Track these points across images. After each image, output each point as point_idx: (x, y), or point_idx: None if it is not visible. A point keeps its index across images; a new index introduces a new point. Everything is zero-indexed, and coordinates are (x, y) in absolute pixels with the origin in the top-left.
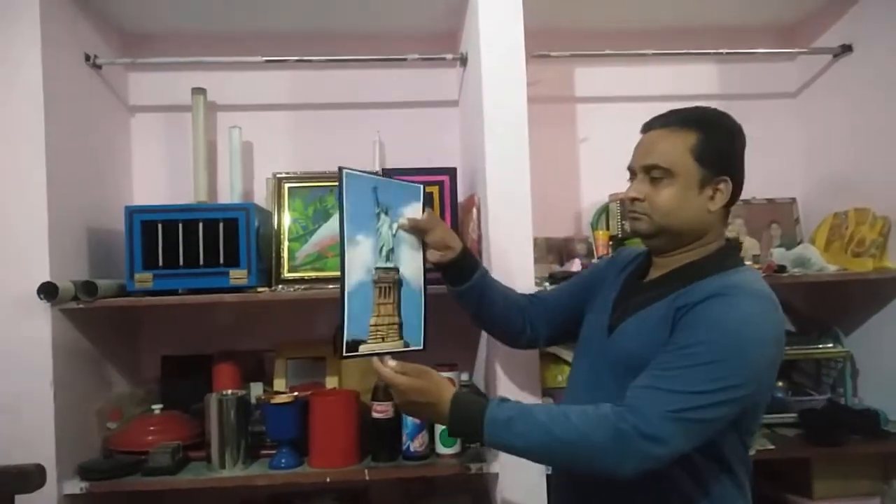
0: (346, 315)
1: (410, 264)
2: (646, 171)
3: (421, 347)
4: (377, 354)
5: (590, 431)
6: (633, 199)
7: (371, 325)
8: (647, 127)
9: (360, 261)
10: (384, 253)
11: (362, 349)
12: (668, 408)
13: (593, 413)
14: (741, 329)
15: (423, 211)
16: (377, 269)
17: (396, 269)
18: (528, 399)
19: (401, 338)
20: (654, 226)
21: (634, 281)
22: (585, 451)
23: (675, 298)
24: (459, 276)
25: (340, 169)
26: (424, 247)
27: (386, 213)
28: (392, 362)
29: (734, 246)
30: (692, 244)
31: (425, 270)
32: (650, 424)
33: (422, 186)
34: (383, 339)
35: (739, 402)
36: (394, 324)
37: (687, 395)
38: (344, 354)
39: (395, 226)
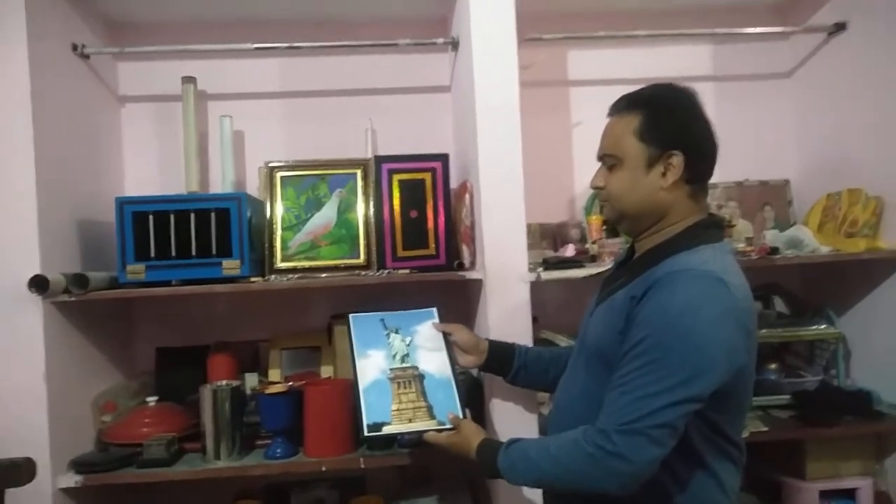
0: (364, 405)
1: (431, 362)
2: (602, 160)
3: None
4: (402, 433)
5: (567, 461)
6: (596, 188)
7: (393, 411)
8: (607, 114)
9: (373, 366)
10: (398, 358)
11: (386, 429)
12: (622, 420)
13: (568, 440)
14: (681, 319)
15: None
16: (392, 369)
17: (415, 367)
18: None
19: (432, 418)
20: (615, 212)
21: (618, 268)
22: (570, 479)
23: (632, 287)
24: (502, 368)
25: (347, 315)
26: (450, 349)
27: (396, 332)
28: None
29: (707, 223)
30: (656, 225)
31: (453, 364)
32: (611, 442)
33: (435, 309)
34: (410, 420)
35: (699, 395)
36: (421, 407)
37: (638, 402)
38: (366, 434)
39: (408, 339)
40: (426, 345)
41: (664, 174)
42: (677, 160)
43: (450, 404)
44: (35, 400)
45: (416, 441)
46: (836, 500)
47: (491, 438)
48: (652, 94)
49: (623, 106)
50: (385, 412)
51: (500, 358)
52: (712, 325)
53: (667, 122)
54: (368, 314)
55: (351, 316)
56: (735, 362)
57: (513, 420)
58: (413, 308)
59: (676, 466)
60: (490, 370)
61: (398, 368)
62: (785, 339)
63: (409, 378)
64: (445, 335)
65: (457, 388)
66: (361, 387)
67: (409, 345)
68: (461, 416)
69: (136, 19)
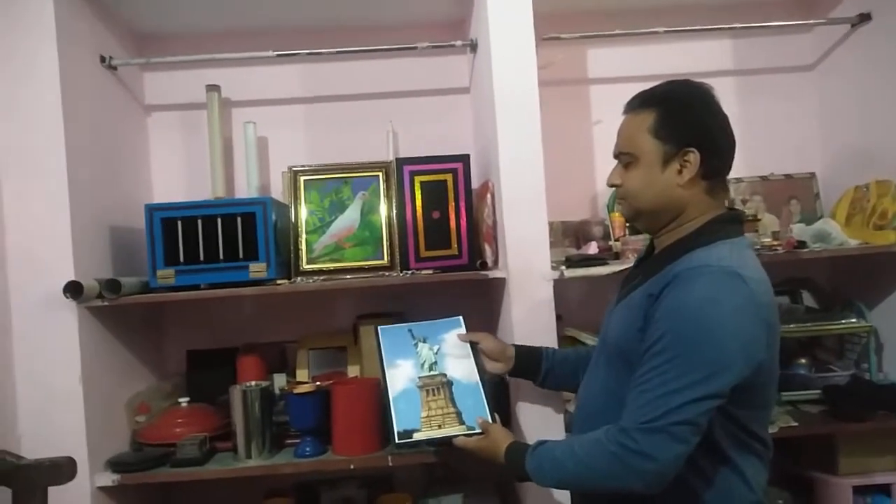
0: (394, 413)
1: (459, 369)
2: (619, 158)
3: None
4: (432, 439)
5: (590, 461)
6: (612, 186)
7: (423, 418)
8: (623, 112)
9: (403, 376)
10: (426, 366)
11: (416, 436)
12: (643, 419)
13: (591, 439)
14: (698, 315)
15: (467, 332)
16: (420, 377)
17: (443, 374)
18: None
19: (461, 423)
20: (632, 209)
21: (636, 266)
22: (595, 478)
23: (650, 284)
24: (530, 372)
25: (376, 327)
26: (476, 355)
27: (424, 341)
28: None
29: (725, 219)
30: (674, 222)
31: (480, 370)
32: (633, 440)
33: (461, 317)
34: (440, 426)
35: (720, 391)
36: (450, 413)
37: (658, 400)
38: (397, 442)
39: (435, 347)
40: (453, 352)
41: (680, 171)
42: (693, 157)
43: (479, 409)
44: (72, 402)
45: (446, 444)
46: (871, 495)
47: (519, 441)
48: (667, 90)
49: (638, 103)
50: (415, 419)
51: (528, 362)
52: (730, 321)
53: (682, 119)
54: (396, 325)
55: (379, 328)
56: (754, 357)
57: (539, 421)
58: (439, 315)
59: (701, 462)
60: (518, 375)
61: (426, 376)
62: (814, 333)
63: (437, 385)
64: (472, 342)
65: (485, 393)
66: (391, 396)
67: (436, 353)
68: (490, 420)
69: (161, 30)
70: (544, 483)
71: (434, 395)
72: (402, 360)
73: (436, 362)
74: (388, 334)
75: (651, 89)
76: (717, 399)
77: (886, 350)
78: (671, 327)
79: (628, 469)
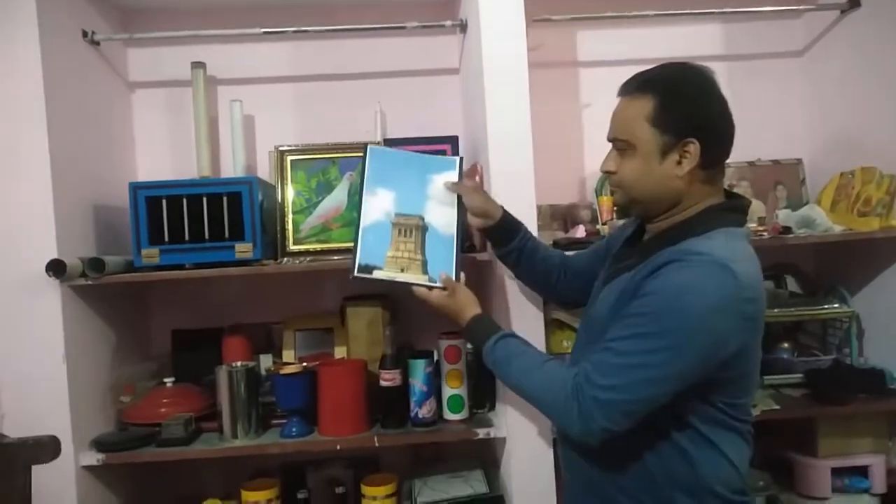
0: (360, 244)
1: (438, 215)
2: (614, 143)
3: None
4: (392, 281)
5: (542, 391)
6: (606, 173)
7: (388, 256)
8: (618, 94)
9: (379, 207)
10: (405, 204)
11: (376, 273)
12: (598, 381)
13: (553, 377)
14: (680, 301)
15: (460, 179)
16: (397, 214)
17: (420, 217)
18: None
19: (424, 273)
20: (626, 197)
21: (628, 245)
22: (538, 406)
23: (640, 269)
24: (501, 241)
25: (366, 146)
26: (461, 206)
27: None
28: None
29: (723, 207)
30: (670, 210)
31: (461, 224)
32: (585, 401)
33: (458, 159)
34: (402, 270)
35: (680, 376)
36: (416, 260)
37: (619, 371)
38: (355, 274)
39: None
40: (437, 196)
41: (679, 162)
42: (694, 148)
43: (447, 263)
44: (56, 381)
45: (431, 420)
46: (849, 477)
47: (486, 317)
48: (666, 76)
49: (635, 87)
50: (380, 256)
51: (505, 232)
52: (709, 315)
53: (682, 109)
54: (389, 149)
55: (369, 147)
56: (726, 351)
57: None
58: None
59: (682, 444)
60: (491, 237)
61: (402, 215)
62: (798, 318)
63: (411, 227)
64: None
65: (458, 248)
66: (362, 225)
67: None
68: (454, 277)
69: (146, 5)
70: (494, 373)
71: (405, 236)
72: (383, 189)
73: (418, 201)
74: (377, 157)
75: (649, 72)
76: (676, 385)
77: (867, 335)
78: (652, 306)
79: (566, 418)
